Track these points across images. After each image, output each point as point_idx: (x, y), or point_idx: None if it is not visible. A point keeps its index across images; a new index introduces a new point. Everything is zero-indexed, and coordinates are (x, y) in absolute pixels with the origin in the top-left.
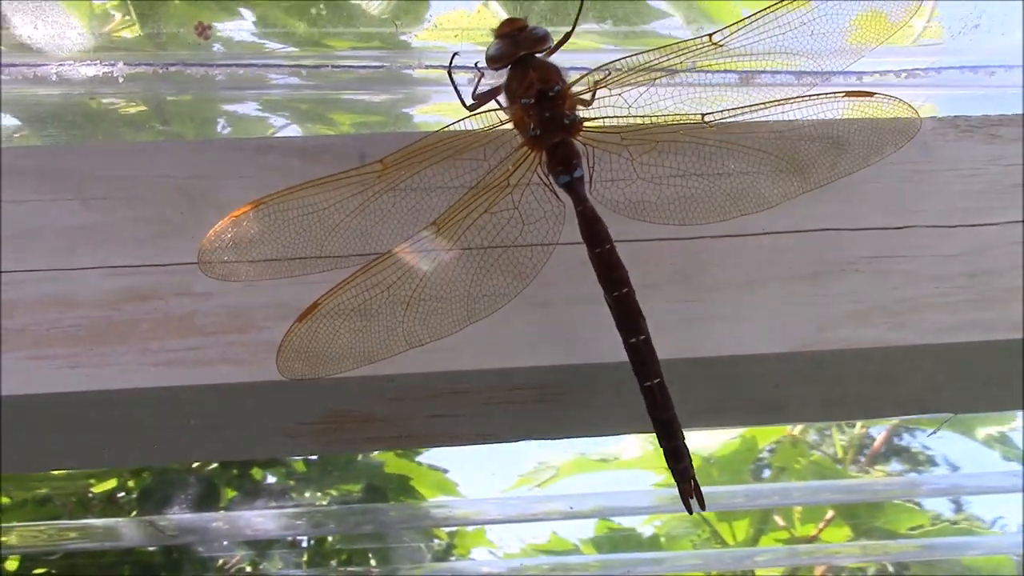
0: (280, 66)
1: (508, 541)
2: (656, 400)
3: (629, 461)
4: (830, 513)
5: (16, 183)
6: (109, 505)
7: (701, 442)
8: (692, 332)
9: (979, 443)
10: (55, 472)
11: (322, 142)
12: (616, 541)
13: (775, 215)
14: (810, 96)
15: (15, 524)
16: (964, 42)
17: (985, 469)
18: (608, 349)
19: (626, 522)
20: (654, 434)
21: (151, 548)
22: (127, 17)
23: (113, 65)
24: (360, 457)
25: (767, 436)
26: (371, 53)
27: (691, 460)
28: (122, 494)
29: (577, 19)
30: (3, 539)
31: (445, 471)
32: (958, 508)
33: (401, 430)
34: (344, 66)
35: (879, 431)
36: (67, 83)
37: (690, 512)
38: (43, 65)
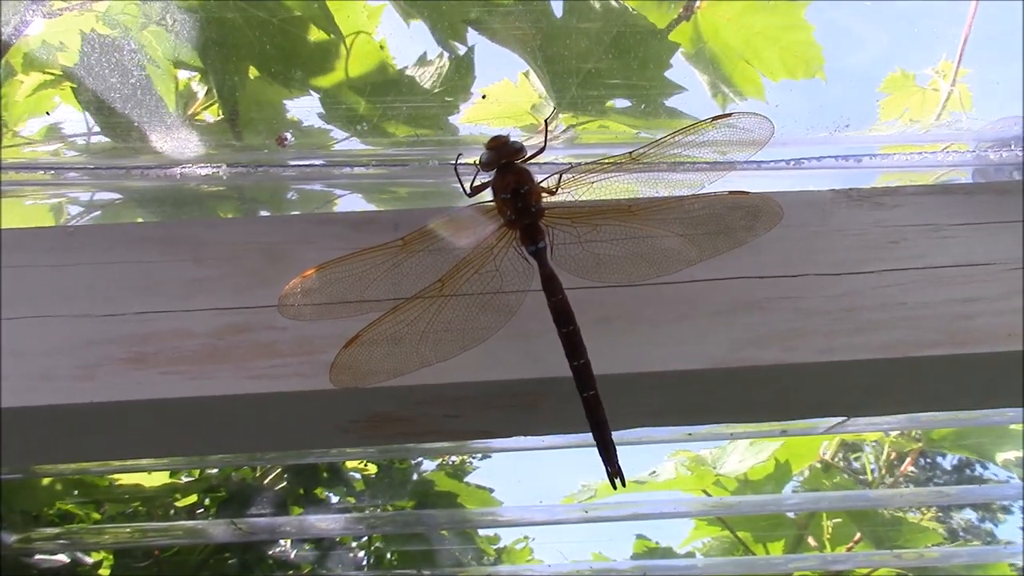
0: (345, 164)
1: (556, 561)
2: (591, 406)
3: (664, 482)
4: (858, 535)
5: (145, 248)
6: (190, 518)
7: (733, 467)
8: (634, 353)
9: (999, 467)
10: (146, 487)
11: (366, 216)
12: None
13: (700, 267)
14: (705, 195)
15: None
16: (839, 137)
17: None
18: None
19: (664, 542)
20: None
21: (227, 555)
22: (209, 93)
23: (219, 167)
24: (414, 476)
25: (800, 461)
26: (423, 152)
27: (616, 450)
28: (200, 510)
29: (546, 136)
30: (96, 539)
31: (491, 490)
32: None
33: (423, 427)
34: (400, 162)
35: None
36: (170, 177)
37: (615, 488)
38: (171, 167)
